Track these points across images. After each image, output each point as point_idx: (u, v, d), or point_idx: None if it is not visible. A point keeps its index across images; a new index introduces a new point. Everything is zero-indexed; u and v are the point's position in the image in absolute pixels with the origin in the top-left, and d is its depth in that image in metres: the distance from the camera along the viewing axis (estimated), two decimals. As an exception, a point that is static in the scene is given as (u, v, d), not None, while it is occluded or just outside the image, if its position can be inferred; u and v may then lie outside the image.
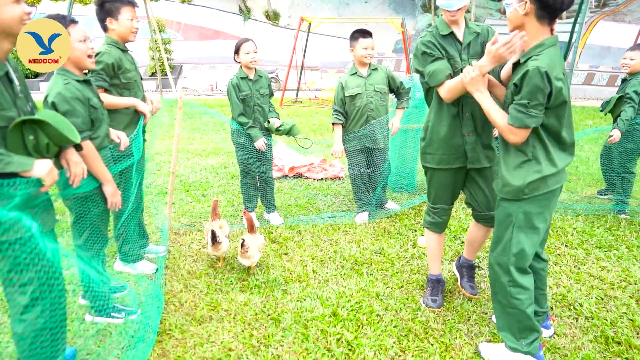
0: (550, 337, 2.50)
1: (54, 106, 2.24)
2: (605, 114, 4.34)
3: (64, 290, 2.00)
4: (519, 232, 2.15)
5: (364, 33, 3.91)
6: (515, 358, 2.25)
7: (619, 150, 4.25)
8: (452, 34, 2.51)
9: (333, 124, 4.12)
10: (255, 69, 3.84)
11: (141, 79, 3.15)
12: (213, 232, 3.16)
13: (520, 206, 2.14)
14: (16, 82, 1.82)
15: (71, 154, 2.03)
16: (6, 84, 1.77)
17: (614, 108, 4.16)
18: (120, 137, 2.70)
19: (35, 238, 1.72)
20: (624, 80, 4.19)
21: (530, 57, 2.02)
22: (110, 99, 2.87)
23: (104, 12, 2.89)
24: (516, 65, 2.14)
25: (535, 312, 2.34)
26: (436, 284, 2.88)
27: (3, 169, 1.67)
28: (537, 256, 2.36)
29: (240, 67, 3.84)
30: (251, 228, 3.28)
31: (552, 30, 2.07)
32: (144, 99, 3.11)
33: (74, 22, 2.32)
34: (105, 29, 2.94)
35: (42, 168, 1.74)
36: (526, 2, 1.99)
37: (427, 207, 2.84)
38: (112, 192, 2.47)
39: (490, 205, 2.66)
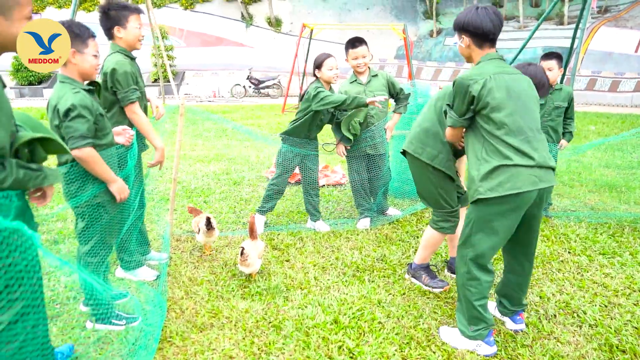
0: (515, 331, 2.60)
1: (67, 112, 2.27)
2: None
3: (44, 303, 1.85)
4: (477, 232, 2.32)
5: (353, 43, 3.91)
6: (464, 341, 2.44)
7: None
8: None
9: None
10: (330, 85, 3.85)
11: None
12: (208, 218, 3.25)
13: (478, 208, 2.29)
14: None
15: None
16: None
17: None
18: (125, 129, 2.74)
19: (34, 249, 1.69)
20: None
21: None
22: (146, 127, 2.96)
23: (111, 21, 2.88)
24: None
25: (504, 305, 2.62)
26: (429, 270, 3.14)
27: (40, 184, 1.65)
28: (520, 262, 2.52)
29: (317, 80, 3.83)
30: (251, 232, 3.28)
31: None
32: (146, 109, 3.12)
33: (94, 36, 2.42)
34: (111, 36, 2.93)
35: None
36: (463, 38, 2.36)
37: (442, 214, 2.94)
38: (117, 189, 2.51)
39: None
